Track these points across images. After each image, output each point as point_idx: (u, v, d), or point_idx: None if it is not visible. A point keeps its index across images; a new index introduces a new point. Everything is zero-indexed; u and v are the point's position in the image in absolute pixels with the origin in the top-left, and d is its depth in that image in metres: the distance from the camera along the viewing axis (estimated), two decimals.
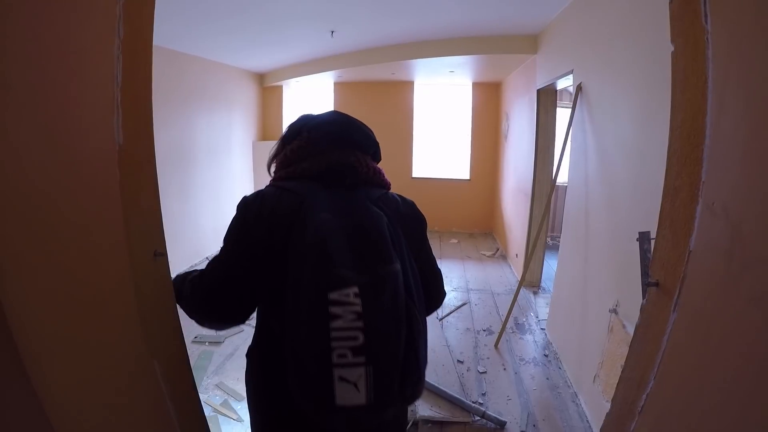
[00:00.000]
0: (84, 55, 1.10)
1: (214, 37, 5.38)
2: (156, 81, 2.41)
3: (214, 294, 1.21)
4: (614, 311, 2.71)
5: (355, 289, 0.99)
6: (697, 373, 1.11)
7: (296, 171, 1.28)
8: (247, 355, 1.32)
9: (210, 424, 2.78)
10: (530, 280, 5.36)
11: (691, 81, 1.16)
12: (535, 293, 5.25)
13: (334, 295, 0.98)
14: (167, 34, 4.87)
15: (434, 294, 1.42)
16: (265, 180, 1.51)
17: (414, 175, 8.54)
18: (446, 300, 4.38)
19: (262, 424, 1.32)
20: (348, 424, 1.03)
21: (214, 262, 1.23)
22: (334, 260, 1.01)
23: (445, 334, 4.17)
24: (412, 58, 5.98)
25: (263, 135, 8.80)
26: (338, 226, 1.07)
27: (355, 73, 7.35)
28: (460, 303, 4.95)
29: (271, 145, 3.25)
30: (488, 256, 6.79)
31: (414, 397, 1.13)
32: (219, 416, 2.98)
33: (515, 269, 5.97)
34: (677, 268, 1.18)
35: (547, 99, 4.96)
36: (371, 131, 1.42)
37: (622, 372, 1.49)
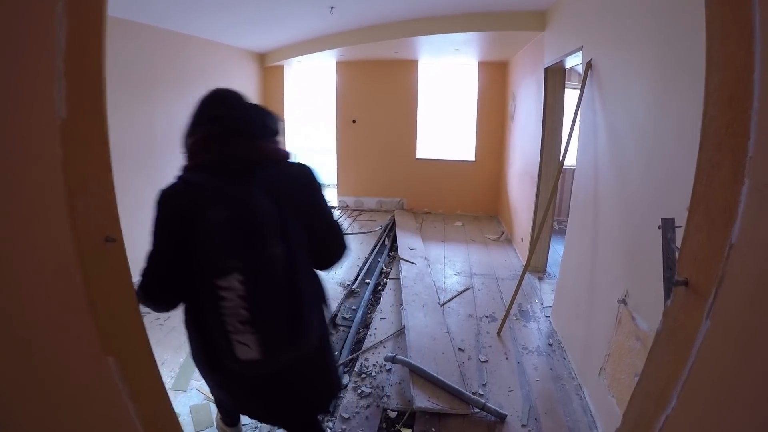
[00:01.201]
0: (17, 17, 0.95)
1: (210, 14, 5.13)
2: (150, 62, 2.42)
3: (153, 284, 1.38)
4: (623, 302, 2.52)
5: (240, 277, 1.22)
6: (732, 397, 0.89)
7: (197, 162, 1.41)
8: (185, 326, 1.56)
9: (203, 411, 2.85)
10: (535, 266, 5.16)
11: (732, 31, 0.93)
12: (540, 279, 5.05)
13: (222, 282, 1.23)
14: (161, 12, 4.64)
15: (333, 248, 1.62)
16: None
17: (418, 157, 8.29)
18: (449, 284, 4.84)
19: (205, 374, 1.64)
20: (250, 369, 1.36)
21: (149, 257, 1.37)
22: (223, 251, 1.24)
23: (446, 320, 3.98)
24: (416, 35, 5.70)
25: None
26: (227, 218, 1.25)
27: (358, 51, 7.08)
28: (462, 288, 4.75)
29: None
30: (493, 240, 6.58)
31: (303, 349, 1.41)
32: (210, 403, 2.88)
33: (520, 254, 5.77)
34: (713, 265, 0.96)
35: (555, 78, 4.71)
36: (267, 115, 1.52)
37: (637, 384, 1.28)
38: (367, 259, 5.67)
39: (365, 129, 8.34)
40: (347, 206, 8.70)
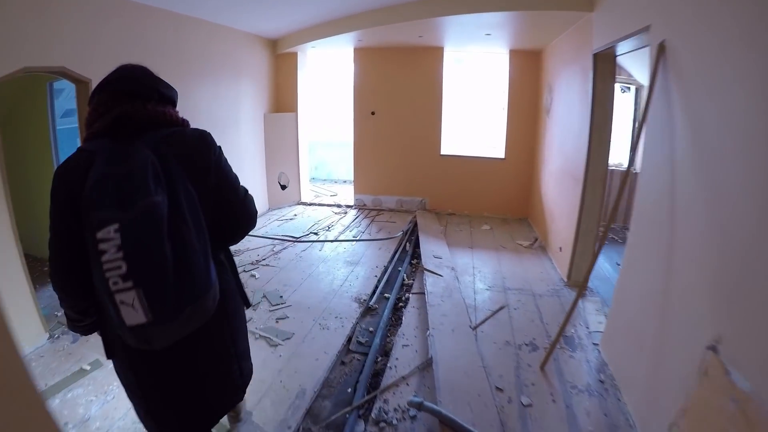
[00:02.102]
0: None
1: None
2: (152, 47, 3.33)
3: (59, 272, 1.40)
4: (713, 349, 2.00)
5: (116, 226, 1.19)
6: None
7: (92, 131, 1.45)
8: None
9: None
10: (576, 278, 4.66)
11: None
12: (582, 295, 4.54)
13: (99, 234, 1.19)
14: None
15: (239, 215, 1.64)
16: (278, 155, 4.34)
17: (443, 153, 7.77)
18: (480, 301, 4.39)
19: (106, 345, 1.55)
20: (141, 341, 1.25)
21: (49, 243, 1.39)
22: (99, 204, 1.22)
23: (480, 348, 3.49)
24: (444, 15, 5.21)
25: (276, 106, 8.12)
26: (109, 173, 1.27)
27: (378, 35, 6.59)
28: (496, 307, 4.24)
29: (285, 118, 6.62)
30: (525, 247, 6.07)
31: (195, 315, 1.31)
32: None
33: (558, 264, 5.26)
34: None
35: (605, 66, 4.16)
36: (160, 82, 1.58)
37: None
38: (386, 269, 5.20)
39: (385, 122, 7.84)
40: (364, 205, 8.20)
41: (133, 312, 1.19)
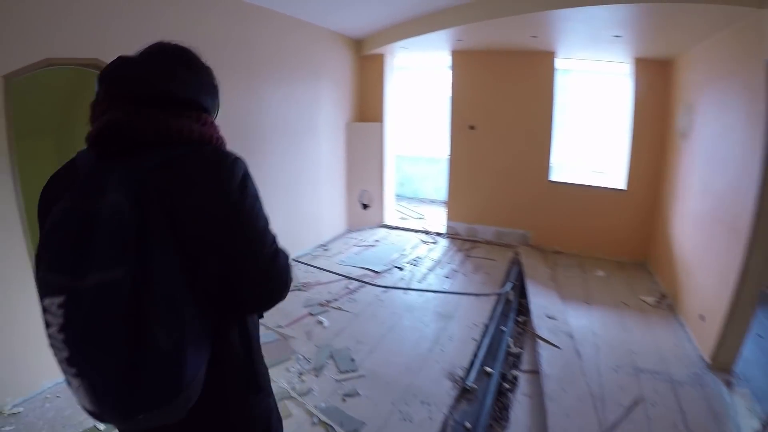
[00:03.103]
0: None
1: None
2: (211, 39, 3.45)
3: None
4: None
5: (60, 299, 0.90)
6: None
7: (87, 135, 1.09)
8: None
9: None
10: (725, 360, 3.50)
11: None
12: (728, 384, 3.33)
13: (45, 302, 0.92)
14: None
15: (262, 283, 1.14)
16: (361, 169, 4.55)
17: (552, 179, 6.60)
18: (609, 388, 3.36)
19: None
20: (108, 422, 1.02)
21: None
22: (47, 262, 0.94)
23: None
24: (569, 7, 4.14)
25: (360, 115, 7.32)
26: (64, 219, 0.95)
27: (481, 34, 5.58)
28: (628, 398, 3.12)
29: (370, 128, 6.78)
30: (650, 305, 4.84)
31: (158, 418, 1.00)
32: None
33: (695, 335, 4.02)
34: None
35: None
36: (184, 76, 1.16)
37: None
38: (486, 328, 4.17)
39: (485, 138, 6.77)
40: (457, 234, 7.15)
41: (81, 397, 0.93)
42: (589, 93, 8.68)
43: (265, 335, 3.89)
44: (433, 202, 9.75)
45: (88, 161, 1.07)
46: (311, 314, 4.31)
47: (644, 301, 4.91)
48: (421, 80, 9.83)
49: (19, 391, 3.01)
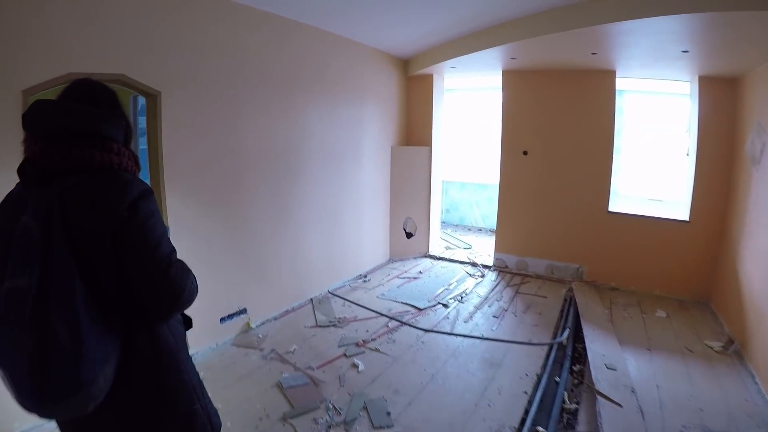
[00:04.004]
0: None
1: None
2: (244, 54, 3.53)
3: None
4: None
5: None
6: None
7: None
8: None
9: None
10: None
11: None
12: None
13: None
14: None
15: (158, 292, 1.31)
16: (406, 195, 5.26)
17: (611, 209, 6.08)
18: None
19: None
20: (30, 411, 1.16)
21: None
22: None
23: None
24: (633, 18, 3.78)
25: (406, 138, 7.02)
26: None
27: (536, 51, 5.21)
28: None
29: (416, 152, 6.82)
30: (717, 352, 4.29)
31: (68, 410, 1.17)
32: None
33: (765, 388, 3.54)
34: None
35: None
36: (68, 109, 1.31)
37: None
38: (539, 379, 3.72)
39: (539, 164, 6.33)
40: (506, 267, 6.68)
41: (6, 386, 1.15)
42: (644, 115, 8.19)
43: (294, 377, 3.57)
44: (480, 230, 9.34)
45: (17, 190, 1.29)
46: (346, 355, 3.95)
47: (710, 347, 4.38)
48: (466, 102, 9.51)
49: (26, 417, 2.77)
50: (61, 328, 1.13)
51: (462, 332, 4.51)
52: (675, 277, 5.74)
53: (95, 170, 1.28)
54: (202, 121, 3.80)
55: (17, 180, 1.30)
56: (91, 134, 1.29)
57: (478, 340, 4.37)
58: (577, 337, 4.52)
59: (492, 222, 9.34)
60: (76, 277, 1.18)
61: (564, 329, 4.62)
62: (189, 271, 1.41)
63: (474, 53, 5.33)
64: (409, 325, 4.59)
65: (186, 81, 3.62)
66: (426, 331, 4.49)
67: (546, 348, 4.24)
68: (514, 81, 6.34)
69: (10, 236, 1.16)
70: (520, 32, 4.64)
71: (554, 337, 4.49)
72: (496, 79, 6.60)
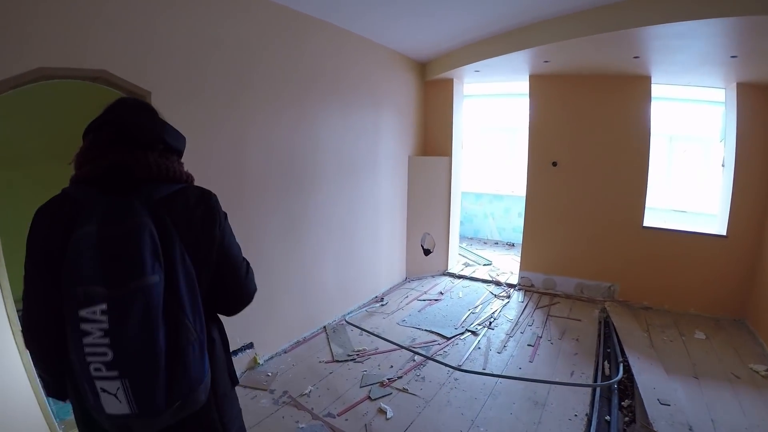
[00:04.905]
0: None
1: None
2: (246, 49, 3.07)
3: (31, 326, 1.28)
4: None
5: (103, 306, 1.08)
6: None
7: (82, 175, 1.29)
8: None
9: None
10: None
11: None
12: None
13: (83, 313, 1.08)
14: None
15: (238, 295, 1.49)
16: (424, 209, 4.82)
17: (646, 224, 5.64)
18: None
19: (77, 418, 1.36)
20: (120, 428, 1.14)
21: (23, 296, 1.28)
22: (84, 277, 1.10)
23: None
24: (683, 20, 3.42)
25: (424, 147, 6.57)
26: (98, 239, 1.13)
27: (573, 55, 4.80)
28: None
29: (435, 163, 6.20)
30: (763, 376, 3.94)
31: (184, 408, 1.20)
32: None
33: None
34: None
35: None
36: (166, 129, 1.39)
37: None
38: (589, 421, 3.26)
39: (569, 176, 5.88)
40: (532, 286, 6.20)
41: (115, 401, 1.09)
42: (670, 123, 7.78)
43: (312, 428, 3.08)
44: (496, 243, 8.88)
45: (90, 195, 1.23)
46: (370, 398, 3.46)
47: (755, 371, 4.05)
48: (480, 108, 9.07)
49: None
50: (191, 321, 1.20)
51: (498, 366, 4.02)
52: (710, 295, 5.38)
53: (175, 181, 1.34)
54: (199, 129, 3.30)
55: None
56: (175, 149, 1.40)
57: (518, 373, 3.90)
58: (625, 367, 4.08)
59: (508, 235, 8.92)
60: (194, 273, 1.25)
61: (616, 363, 4.16)
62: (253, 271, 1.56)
63: (502, 56, 4.90)
64: (439, 362, 4.05)
65: (181, 81, 3.14)
66: (462, 371, 3.96)
67: (589, 381, 3.78)
68: (542, 86, 5.90)
69: (125, 237, 1.14)
70: (558, 33, 4.24)
71: (596, 366, 4.07)
72: (513, 85, 6.28)
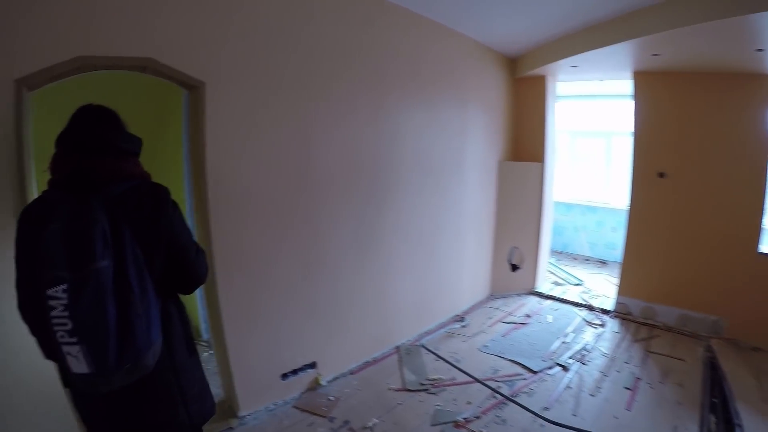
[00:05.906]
0: None
1: None
2: (316, 40, 3.04)
3: (22, 303, 1.52)
4: None
5: (64, 286, 1.31)
6: None
7: (53, 179, 1.57)
8: None
9: None
10: None
11: None
12: None
13: (50, 291, 1.31)
14: None
15: (189, 275, 1.71)
16: (512, 220, 4.68)
17: (762, 250, 4.73)
18: None
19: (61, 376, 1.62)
20: (87, 386, 1.40)
21: (15, 283, 1.53)
22: (53, 264, 1.33)
23: None
24: None
25: (514, 151, 6.05)
26: (62, 233, 1.36)
27: (690, 47, 4.09)
28: None
29: (527, 169, 5.70)
30: None
31: (136, 369, 1.44)
32: None
33: None
34: None
35: None
36: (113, 128, 1.65)
37: None
38: None
39: (677, 190, 5.09)
40: (629, 314, 5.46)
41: (77, 362, 1.32)
42: None
43: None
44: (587, 260, 8.12)
45: (59, 196, 1.47)
46: None
47: None
48: (571, 110, 8.35)
49: None
50: (137, 298, 1.42)
51: (590, 412, 3.42)
52: None
53: (129, 179, 1.59)
54: (260, 126, 3.01)
55: None
56: (129, 152, 1.64)
57: (610, 418, 3.31)
58: (727, 420, 3.37)
59: (600, 251, 8.14)
60: (142, 258, 1.48)
61: (724, 419, 3.42)
62: (205, 253, 1.83)
63: (603, 48, 4.30)
64: (523, 407, 3.50)
65: (239, 71, 2.85)
66: (550, 422, 3.35)
67: None
68: (650, 85, 5.16)
69: (85, 230, 1.35)
70: (657, 21, 3.66)
71: (702, 421, 3.36)
72: (607, 86, 5.84)
